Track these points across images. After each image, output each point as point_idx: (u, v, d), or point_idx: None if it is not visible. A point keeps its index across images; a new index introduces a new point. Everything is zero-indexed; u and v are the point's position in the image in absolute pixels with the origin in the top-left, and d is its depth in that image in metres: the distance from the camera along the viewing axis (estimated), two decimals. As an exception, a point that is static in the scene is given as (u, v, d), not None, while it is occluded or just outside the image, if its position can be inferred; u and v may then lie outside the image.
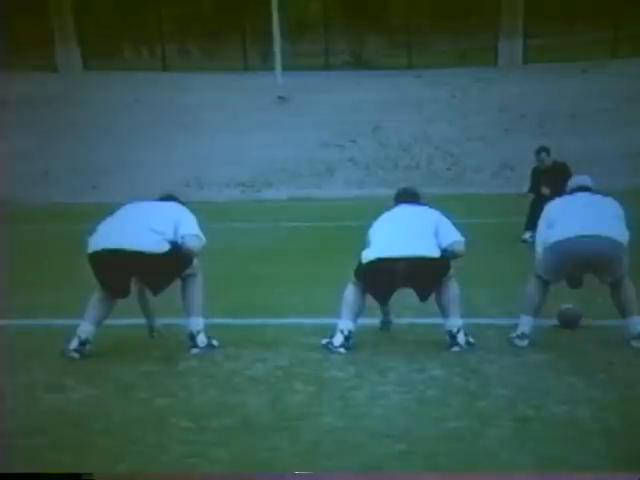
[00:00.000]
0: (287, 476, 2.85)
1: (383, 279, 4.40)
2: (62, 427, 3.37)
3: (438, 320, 4.52)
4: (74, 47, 23.23)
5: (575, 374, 3.91)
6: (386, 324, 4.86)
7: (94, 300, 4.39)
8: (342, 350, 4.35)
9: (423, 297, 4.49)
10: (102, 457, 3.03)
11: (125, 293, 4.45)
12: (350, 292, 4.50)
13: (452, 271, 4.45)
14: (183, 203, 4.72)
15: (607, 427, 3.22)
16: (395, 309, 4.83)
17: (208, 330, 4.50)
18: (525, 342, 4.43)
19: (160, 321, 4.82)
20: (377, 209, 4.90)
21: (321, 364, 4.18)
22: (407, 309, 4.99)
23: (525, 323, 4.48)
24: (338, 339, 4.39)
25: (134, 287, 4.58)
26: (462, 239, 4.47)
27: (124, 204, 4.68)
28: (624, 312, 4.43)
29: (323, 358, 4.28)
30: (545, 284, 4.54)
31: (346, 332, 4.40)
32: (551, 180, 8.25)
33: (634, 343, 4.35)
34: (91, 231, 4.47)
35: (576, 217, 4.49)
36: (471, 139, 17.89)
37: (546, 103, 18.81)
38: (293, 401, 3.63)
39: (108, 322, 4.46)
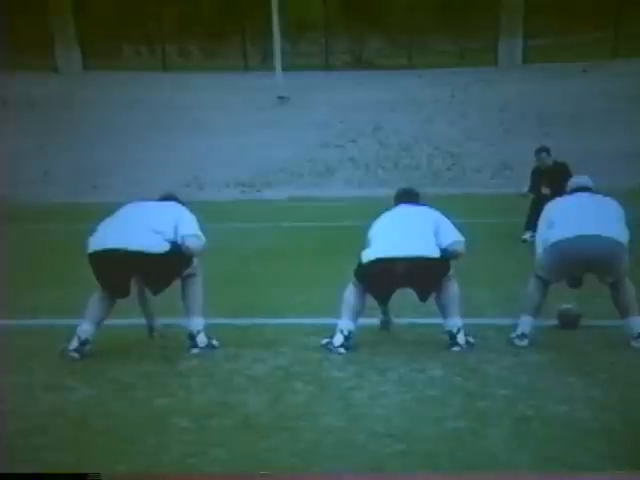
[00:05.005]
0: (287, 476, 2.85)
1: (383, 279, 4.40)
2: (62, 427, 3.37)
3: (438, 320, 4.52)
4: (74, 47, 23.25)
5: (575, 374, 3.91)
6: (386, 324, 4.86)
7: (94, 300, 4.39)
8: (342, 350, 4.35)
9: (423, 297, 4.49)
10: (102, 457, 3.03)
11: (125, 293, 4.44)
12: (350, 292, 4.50)
13: (452, 271, 4.45)
14: (183, 203, 4.72)
15: (607, 427, 3.22)
16: (395, 309, 4.83)
17: (208, 330, 4.50)
18: (525, 342, 4.44)
19: (160, 321, 4.82)
20: (377, 209, 4.90)
21: (321, 364, 4.18)
22: (407, 309, 4.99)
23: (525, 323, 4.48)
24: (338, 339, 4.39)
25: (134, 287, 4.58)
26: (462, 239, 4.46)
27: (124, 204, 4.68)
28: (624, 312, 4.43)
29: (323, 358, 4.28)
30: (545, 284, 4.54)
31: (346, 332, 4.40)
32: (551, 180, 8.25)
33: (634, 343, 4.35)
34: (91, 231, 4.46)
35: (576, 217, 4.49)
36: (471, 139, 17.90)
37: (546, 103, 18.82)
38: (293, 401, 3.63)
39: (108, 322, 4.46)
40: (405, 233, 4.42)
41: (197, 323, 4.46)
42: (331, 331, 4.45)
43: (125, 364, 4.25)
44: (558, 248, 4.41)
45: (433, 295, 4.45)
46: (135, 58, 26.30)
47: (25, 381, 4.00)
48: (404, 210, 4.73)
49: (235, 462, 2.96)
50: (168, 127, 18.71)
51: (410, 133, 18.52)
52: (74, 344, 4.31)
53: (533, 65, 21.92)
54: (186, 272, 4.47)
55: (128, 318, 4.80)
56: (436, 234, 4.41)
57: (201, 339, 4.44)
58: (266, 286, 6.48)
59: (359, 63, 24.66)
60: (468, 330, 4.43)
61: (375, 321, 4.83)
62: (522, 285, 4.67)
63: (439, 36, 25.93)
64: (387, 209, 4.79)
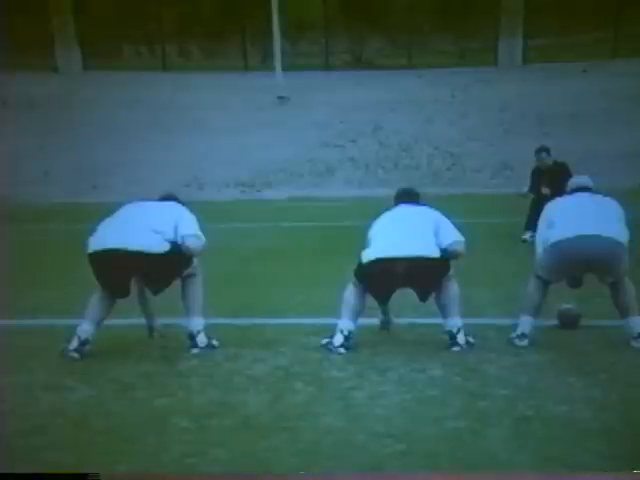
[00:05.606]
0: (287, 476, 2.85)
1: (383, 279, 4.40)
2: (62, 427, 3.37)
3: (438, 320, 4.52)
4: (74, 47, 23.25)
5: (575, 374, 3.91)
6: (386, 324, 4.86)
7: (94, 300, 4.39)
8: (342, 350, 4.35)
9: (423, 297, 4.49)
10: (102, 457, 3.03)
11: (125, 293, 4.45)
12: (350, 292, 4.50)
13: (452, 271, 4.45)
14: (183, 203, 4.73)
15: (607, 427, 3.22)
16: (395, 309, 4.83)
17: (208, 330, 4.50)
18: (525, 342, 4.44)
19: (160, 321, 4.82)
20: (377, 209, 4.90)
21: (321, 364, 4.18)
22: (407, 309, 4.99)
23: (525, 323, 4.48)
24: (338, 339, 4.39)
25: (134, 287, 4.58)
26: (462, 239, 4.46)
27: (124, 204, 4.68)
28: (624, 312, 4.43)
29: (323, 358, 4.28)
30: (545, 284, 4.54)
31: (346, 332, 4.40)
32: (551, 180, 8.25)
33: (634, 343, 4.35)
34: (91, 231, 4.47)
35: (576, 217, 4.49)
36: (471, 139, 17.89)
37: (546, 103, 18.82)
38: (293, 401, 3.63)
39: (108, 322, 4.46)
40: (405, 233, 4.42)
41: (197, 323, 4.46)
42: (331, 331, 4.45)
43: (125, 364, 4.25)
44: (558, 248, 4.41)
45: (433, 295, 4.45)
46: (135, 58, 26.30)
47: (25, 381, 4.00)
48: (404, 210, 4.73)
49: (235, 462, 2.96)
50: (168, 127, 18.71)
51: (410, 133, 18.52)
52: (74, 344, 4.31)
53: (533, 65, 21.92)
54: (186, 272, 4.47)
55: (128, 318, 4.80)
56: (436, 234, 4.41)
57: (201, 339, 4.44)
58: (266, 286, 6.48)
59: (359, 63, 24.65)
60: (468, 330, 4.43)
61: (375, 321, 4.83)
62: (522, 285, 4.67)
63: (439, 36, 25.94)
64: (387, 209, 4.79)
